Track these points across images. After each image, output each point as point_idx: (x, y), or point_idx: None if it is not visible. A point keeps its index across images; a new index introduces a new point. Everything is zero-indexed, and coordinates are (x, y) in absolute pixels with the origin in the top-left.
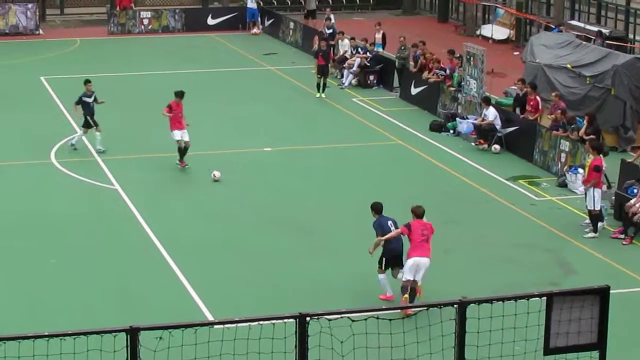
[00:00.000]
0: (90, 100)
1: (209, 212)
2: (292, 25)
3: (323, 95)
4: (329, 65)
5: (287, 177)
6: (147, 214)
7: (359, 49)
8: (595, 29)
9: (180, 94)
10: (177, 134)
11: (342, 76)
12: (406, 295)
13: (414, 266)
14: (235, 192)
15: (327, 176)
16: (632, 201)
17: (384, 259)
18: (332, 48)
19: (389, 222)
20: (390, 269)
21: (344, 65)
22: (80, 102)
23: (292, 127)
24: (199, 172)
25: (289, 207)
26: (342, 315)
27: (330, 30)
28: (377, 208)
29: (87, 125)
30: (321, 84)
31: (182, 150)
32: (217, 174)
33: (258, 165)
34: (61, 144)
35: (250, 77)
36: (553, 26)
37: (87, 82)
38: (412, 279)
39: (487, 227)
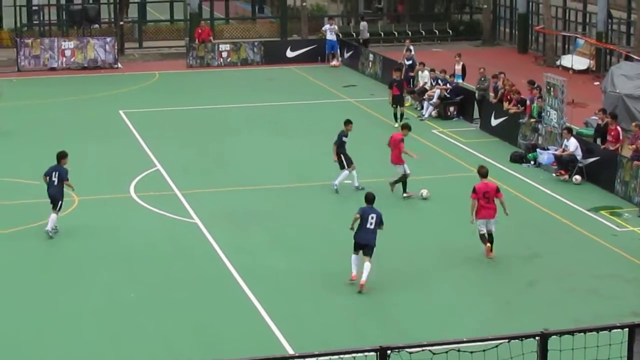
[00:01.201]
0: (346, 139)
1: (290, 243)
2: (371, 57)
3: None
4: (404, 95)
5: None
6: (227, 247)
7: (439, 81)
8: None
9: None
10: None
11: (422, 108)
12: (488, 244)
13: (482, 223)
14: (318, 222)
15: (407, 208)
16: None
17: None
18: (412, 80)
19: (371, 215)
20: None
21: (424, 97)
22: (339, 141)
23: (371, 157)
24: (279, 203)
25: None
26: (424, 348)
27: (410, 62)
28: (368, 198)
29: (347, 164)
30: (398, 114)
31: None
32: (424, 192)
33: (340, 195)
34: (141, 178)
35: (330, 109)
36: (634, 56)
37: (348, 122)
38: (484, 231)
39: (569, 258)
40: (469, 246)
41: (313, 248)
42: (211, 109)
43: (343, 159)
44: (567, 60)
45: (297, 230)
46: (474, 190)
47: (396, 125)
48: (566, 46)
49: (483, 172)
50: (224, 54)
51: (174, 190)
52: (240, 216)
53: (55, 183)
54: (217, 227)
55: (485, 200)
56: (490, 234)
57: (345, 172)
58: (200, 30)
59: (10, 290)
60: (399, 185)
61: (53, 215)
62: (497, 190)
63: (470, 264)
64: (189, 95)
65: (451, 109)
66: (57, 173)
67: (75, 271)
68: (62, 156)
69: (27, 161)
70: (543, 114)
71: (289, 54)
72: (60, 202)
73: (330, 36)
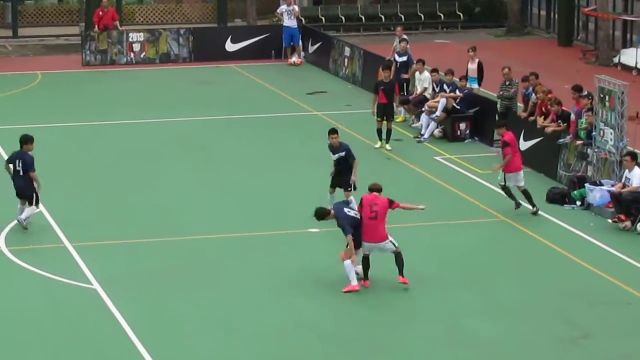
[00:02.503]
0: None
1: (225, 320)
2: (347, 51)
3: (387, 146)
4: (395, 104)
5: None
6: (139, 325)
7: (445, 86)
8: None
9: None
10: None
11: (419, 123)
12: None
13: (366, 247)
14: (267, 292)
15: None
16: None
17: None
18: (406, 84)
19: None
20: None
21: (423, 109)
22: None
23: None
24: (211, 261)
25: (347, 320)
26: None
27: (404, 58)
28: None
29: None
30: (383, 131)
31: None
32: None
33: (301, 251)
34: (15, 225)
35: (288, 125)
36: None
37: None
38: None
39: (633, 342)
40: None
41: (254, 327)
42: (117, 126)
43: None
44: (629, 56)
45: (236, 300)
46: (360, 203)
47: (378, 145)
48: (628, 36)
49: (376, 189)
50: (136, 47)
51: (62, 241)
52: (157, 279)
53: (21, 173)
54: (125, 295)
55: (373, 215)
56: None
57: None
58: (101, 13)
59: None
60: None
61: (28, 208)
62: (390, 203)
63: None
64: (86, 105)
65: (462, 126)
66: (20, 162)
67: None
68: (25, 141)
69: None
70: (594, 133)
71: (230, 46)
72: (32, 196)
73: (289, 21)
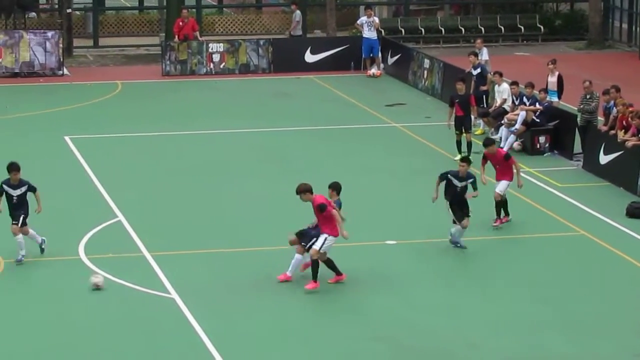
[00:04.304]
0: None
1: (304, 333)
2: (427, 63)
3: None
4: (472, 116)
5: (419, 284)
6: (217, 336)
7: (524, 98)
8: None
9: None
10: None
11: (498, 135)
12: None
13: None
14: (344, 301)
15: (480, 281)
16: None
17: None
18: (484, 96)
19: None
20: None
21: (502, 122)
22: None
23: (424, 209)
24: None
25: (426, 332)
26: None
27: (479, 70)
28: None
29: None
30: (463, 143)
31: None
32: (96, 280)
33: (378, 265)
34: (94, 234)
35: (367, 137)
36: None
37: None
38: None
39: None
40: None
41: (331, 339)
42: (196, 137)
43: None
44: None
45: (314, 311)
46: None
47: (457, 158)
48: None
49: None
50: (216, 57)
51: (141, 251)
52: (235, 290)
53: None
54: (204, 305)
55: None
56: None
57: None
58: (181, 23)
59: None
60: None
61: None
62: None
63: None
64: (165, 115)
65: (541, 139)
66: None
67: None
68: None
69: None
70: None
71: (309, 57)
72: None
73: (369, 33)
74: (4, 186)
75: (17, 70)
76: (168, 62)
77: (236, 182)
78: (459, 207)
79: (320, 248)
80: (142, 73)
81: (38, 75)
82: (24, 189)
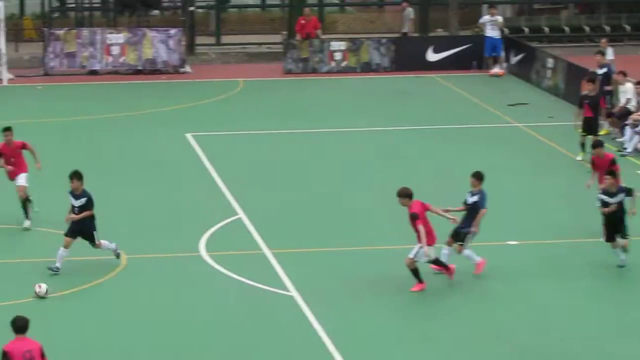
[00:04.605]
0: None
1: (426, 332)
2: (550, 62)
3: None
4: (599, 117)
5: (541, 284)
6: (338, 335)
7: None
8: None
9: None
10: None
11: (624, 137)
12: None
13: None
14: (466, 302)
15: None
16: None
17: None
18: (608, 96)
19: None
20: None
21: (627, 122)
22: None
23: (546, 210)
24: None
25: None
26: None
27: (604, 70)
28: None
29: None
30: (586, 144)
31: None
32: (40, 288)
33: (499, 264)
34: (215, 230)
35: (489, 137)
36: None
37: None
38: None
39: None
40: None
41: (453, 338)
42: (318, 135)
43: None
44: None
45: (435, 310)
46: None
47: (579, 158)
48: None
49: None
50: (338, 56)
51: (261, 248)
52: (355, 288)
53: None
54: (324, 304)
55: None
56: None
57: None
58: (303, 21)
59: None
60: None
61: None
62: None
63: None
64: (286, 113)
65: None
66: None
67: None
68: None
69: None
70: None
71: (431, 56)
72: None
73: (492, 32)
74: (69, 194)
75: (140, 67)
76: (290, 60)
77: (357, 180)
78: (614, 226)
79: (414, 256)
80: (264, 71)
81: (160, 73)
82: (83, 200)
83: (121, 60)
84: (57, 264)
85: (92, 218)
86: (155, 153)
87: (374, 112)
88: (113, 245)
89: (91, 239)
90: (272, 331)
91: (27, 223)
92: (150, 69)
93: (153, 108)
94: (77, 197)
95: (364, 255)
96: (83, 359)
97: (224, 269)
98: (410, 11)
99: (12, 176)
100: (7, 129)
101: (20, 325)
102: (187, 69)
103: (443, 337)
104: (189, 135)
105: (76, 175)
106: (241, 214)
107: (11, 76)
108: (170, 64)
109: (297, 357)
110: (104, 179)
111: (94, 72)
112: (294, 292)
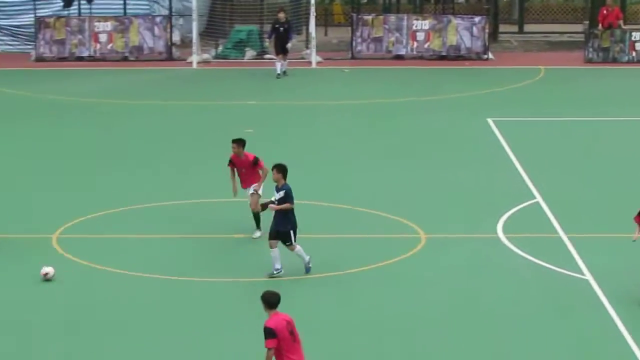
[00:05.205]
0: None
1: None
2: None
3: None
4: None
5: None
6: (629, 322)
7: None
8: None
9: None
10: None
11: None
12: None
13: None
14: None
15: None
16: None
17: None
18: None
19: None
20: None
21: None
22: None
23: None
24: None
25: None
26: None
27: None
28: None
29: None
30: None
31: None
32: (47, 271)
33: None
34: (512, 213)
35: None
36: None
37: None
38: None
39: None
40: None
41: None
42: (613, 123)
43: None
44: None
45: None
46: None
47: None
48: None
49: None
50: (639, 46)
51: (557, 232)
52: None
53: None
54: (619, 290)
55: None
56: None
57: None
58: (606, 12)
59: None
60: None
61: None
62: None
63: None
64: (586, 101)
65: None
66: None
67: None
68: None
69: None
70: None
71: None
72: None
73: None
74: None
75: (444, 53)
76: (591, 50)
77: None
78: None
79: None
80: (565, 59)
81: (464, 59)
82: (282, 193)
83: (426, 46)
84: (277, 266)
85: (290, 214)
86: (456, 136)
87: None
88: (307, 258)
89: (286, 238)
90: (566, 314)
91: (257, 234)
92: (454, 55)
93: (455, 93)
94: (277, 190)
95: None
96: (379, 334)
97: (520, 251)
98: None
99: (244, 185)
100: (236, 141)
101: (274, 301)
102: (490, 55)
103: None
104: (489, 120)
105: (280, 168)
106: (539, 198)
107: (320, 59)
108: (473, 50)
109: (589, 340)
110: (406, 161)
111: (399, 57)
112: (589, 276)
